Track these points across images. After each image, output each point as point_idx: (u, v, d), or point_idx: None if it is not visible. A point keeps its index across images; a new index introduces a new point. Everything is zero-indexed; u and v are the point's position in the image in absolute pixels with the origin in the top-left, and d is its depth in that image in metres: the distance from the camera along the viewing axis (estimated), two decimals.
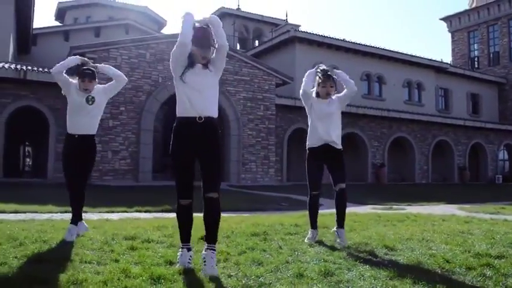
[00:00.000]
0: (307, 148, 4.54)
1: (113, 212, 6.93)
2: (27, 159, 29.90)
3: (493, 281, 2.82)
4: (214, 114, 3.27)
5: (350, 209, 5.87)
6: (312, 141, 4.47)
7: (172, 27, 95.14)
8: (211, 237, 3.08)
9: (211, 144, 3.17)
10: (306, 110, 4.67)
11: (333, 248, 3.86)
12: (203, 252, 3.02)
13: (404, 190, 17.36)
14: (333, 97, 4.50)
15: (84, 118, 4.44)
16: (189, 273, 2.83)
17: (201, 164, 3.19)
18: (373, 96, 26.43)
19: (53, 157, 16.34)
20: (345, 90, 4.56)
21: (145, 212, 7.12)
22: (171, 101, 19.49)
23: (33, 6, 16.05)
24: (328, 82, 4.43)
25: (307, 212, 4.61)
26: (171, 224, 4.76)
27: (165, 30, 42.08)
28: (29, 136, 17.34)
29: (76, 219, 4.19)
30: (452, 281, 2.86)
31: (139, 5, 32.90)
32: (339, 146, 4.41)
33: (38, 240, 3.74)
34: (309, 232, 4.42)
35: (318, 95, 4.51)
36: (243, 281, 2.67)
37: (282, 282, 2.67)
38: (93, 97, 4.49)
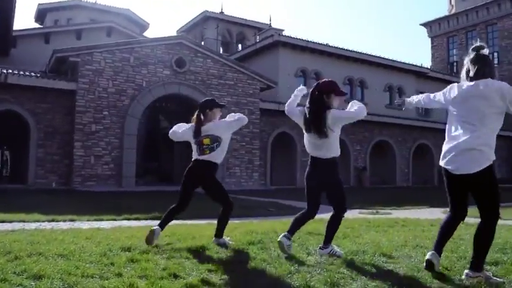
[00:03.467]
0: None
1: (101, 220, 6.84)
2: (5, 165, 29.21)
3: None
4: None
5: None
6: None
7: (155, 30, 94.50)
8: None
9: None
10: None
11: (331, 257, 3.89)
12: None
13: (386, 193, 17.57)
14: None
15: None
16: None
17: None
18: (356, 99, 26.66)
19: (34, 162, 16.03)
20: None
21: (135, 219, 7.04)
22: (155, 105, 19.43)
23: (15, 8, 15.74)
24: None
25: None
26: (166, 232, 4.73)
27: (148, 33, 41.80)
28: (7, 141, 16.97)
29: None
30: None
31: (122, 7, 32.55)
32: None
33: (34, 253, 3.66)
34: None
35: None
36: None
37: None
38: None
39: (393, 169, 25.83)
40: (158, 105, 19.99)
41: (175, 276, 3.02)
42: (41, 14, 32.36)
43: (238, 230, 5.40)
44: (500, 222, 5.35)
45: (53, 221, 6.58)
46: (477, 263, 3.14)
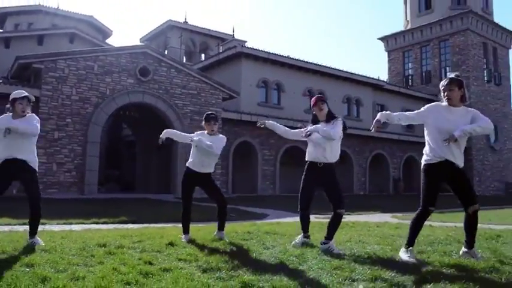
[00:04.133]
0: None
1: (71, 223, 7.17)
2: None
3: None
4: None
5: (296, 218, 6.52)
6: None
7: (118, 37, 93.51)
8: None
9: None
10: None
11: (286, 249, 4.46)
12: None
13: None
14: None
15: None
16: (173, 270, 3.30)
17: None
18: None
19: None
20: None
21: (103, 223, 7.39)
22: (119, 113, 19.64)
23: None
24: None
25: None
26: (135, 233, 5.16)
27: (111, 40, 41.69)
28: None
29: None
30: (383, 271, 3.53)
31: (85, 13, 32.42)
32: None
33: (17, 248, 4.05)
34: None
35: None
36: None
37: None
38: None
39: (350, 178, 26.84)
40: (122, 113, 20.21)
41: (150, 263, 3.49)
42: (1, 18, 31.86)
43: (203, 231, 5.89)
44: (438, 224, 6.12)
45: (24, 224, 6.86)
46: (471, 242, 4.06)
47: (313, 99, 4.99)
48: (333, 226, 4.71)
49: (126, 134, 28.23)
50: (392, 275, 3.23)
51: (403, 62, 40.11)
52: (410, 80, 39.14)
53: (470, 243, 4.08)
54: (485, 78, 36.71)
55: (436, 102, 4.28)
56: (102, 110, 17.54)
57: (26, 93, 4.76)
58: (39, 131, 4.65)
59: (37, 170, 4.61)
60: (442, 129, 3.99)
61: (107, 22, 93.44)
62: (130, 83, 18.20)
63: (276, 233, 5.70)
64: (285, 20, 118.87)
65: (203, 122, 5.45)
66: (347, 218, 9.68)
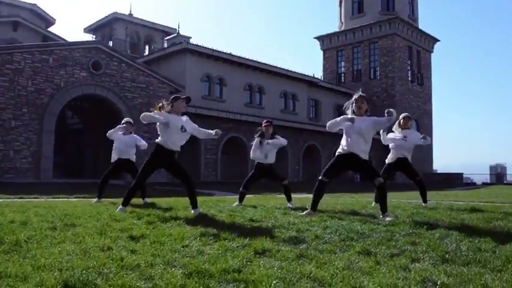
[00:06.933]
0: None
1: (58, 198, 8.86)
2: None
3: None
4: None
5: (233, 196, 8.51)
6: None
7: (61, 26, 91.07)
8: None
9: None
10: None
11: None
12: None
13: (278, 186, 20.66)
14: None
15: None
16: (155, 225, 5.22)
17: None
18: (255, 104, 29.77)
19: None
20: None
21: (83, 198, 9.13)
22: (70, 103, 20.77)
23: None
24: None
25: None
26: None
27: (53, 29, 41.57)
28: None
29: None
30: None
31: (28, 1, 32.47)
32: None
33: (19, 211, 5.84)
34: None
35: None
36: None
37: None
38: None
39: (285, 166, 29.33)
40: (73, 103, 21.37)
41: (139, 218, 5.24)
42: None
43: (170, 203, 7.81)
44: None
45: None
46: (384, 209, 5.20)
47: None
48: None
49: (72, 123, 29.03)
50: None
51: (336, 61, 43.05)
52: (343, 78, 42.20)
53: (382, 206, 5.24)
54: (409, 79, 40.46)
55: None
56: (57, 101, 18.73)
57: None
58: None
59: None
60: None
61: (50, 10, 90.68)
62: (83, 76, 19.46)
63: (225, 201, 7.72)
64: (227, 18, 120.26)
65: (174, 103, 5.84)
66: (279, 196, 11.89)
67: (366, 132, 5.42)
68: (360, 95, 5.49)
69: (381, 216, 5.22)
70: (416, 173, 7.50)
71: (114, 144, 7.83)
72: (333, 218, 5.01)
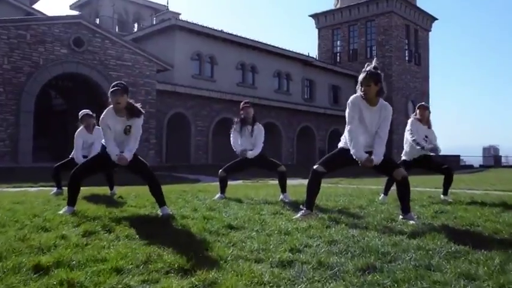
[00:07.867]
0: None
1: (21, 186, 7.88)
2: None
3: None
4: None
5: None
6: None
7: (45, 2, 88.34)
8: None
9: None
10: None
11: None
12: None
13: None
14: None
15: None
16: (92, 238, 4.28)
17: None
18: (247, 84, 28.66)
19: None
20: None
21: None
22: (51, 83, 19.62)
23: None
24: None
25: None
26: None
27: (38, 6, 40.01)
28: None
29: None
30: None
31: None
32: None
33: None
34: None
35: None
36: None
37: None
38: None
39: (279, 148, 28.42)
40: (54, 82, 20.19)
41: (78, 225, 4.27)
42: None
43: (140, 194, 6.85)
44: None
45: None
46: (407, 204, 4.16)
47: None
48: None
49: (56, 104, 27.87)
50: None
51: (332, 40, 41.89)
52: (338, 57, 41.11)
53: (405, 204, 4.22)
54: (407, 58, 39.44)
55: (355, 96, 4.40)
56: (36, 80, 17.57)
57: None
58: None
59: None
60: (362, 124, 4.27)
61: None
62: (64, 53, 18.28)
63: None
64: None
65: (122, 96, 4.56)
66: (270, 183, 10.97)
67: (374, 128, 4.35)
68: (367, 73, 4.24)
69: (401, 216, 4.23)
70: (441, 162, 6.55)
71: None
72: (338, 223, 3.90)
